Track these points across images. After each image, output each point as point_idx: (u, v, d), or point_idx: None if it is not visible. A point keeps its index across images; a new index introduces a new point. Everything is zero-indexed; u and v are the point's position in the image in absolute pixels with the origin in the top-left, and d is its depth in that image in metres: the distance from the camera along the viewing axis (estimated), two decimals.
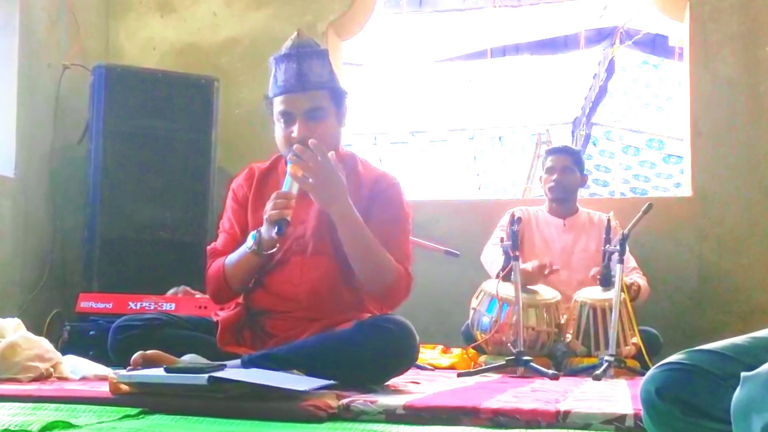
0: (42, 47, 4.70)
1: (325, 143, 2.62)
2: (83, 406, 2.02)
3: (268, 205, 2.57)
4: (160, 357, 2.47)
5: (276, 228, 2.52)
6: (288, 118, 2.69)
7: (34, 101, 4.62)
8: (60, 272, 4.72)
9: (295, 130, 2.65)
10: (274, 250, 2.64)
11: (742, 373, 1.14)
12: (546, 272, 3.92)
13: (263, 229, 2.59)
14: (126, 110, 4.40)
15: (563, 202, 4.42)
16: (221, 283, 2.75)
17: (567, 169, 4.39)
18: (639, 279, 4.10)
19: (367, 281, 2.69)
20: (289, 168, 2.59)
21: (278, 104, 2.71)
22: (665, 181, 9.98)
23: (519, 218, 3.66)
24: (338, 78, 2.80)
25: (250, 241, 2.62)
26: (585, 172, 4.56)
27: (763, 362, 1.14)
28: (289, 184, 2.59)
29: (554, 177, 4.38)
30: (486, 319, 3.81)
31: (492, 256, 4.13)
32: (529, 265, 3.87)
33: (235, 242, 2.76)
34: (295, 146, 2.55)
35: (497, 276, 3.77)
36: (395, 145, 10.45)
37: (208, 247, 2.89)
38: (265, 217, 2.57)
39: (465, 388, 2.70)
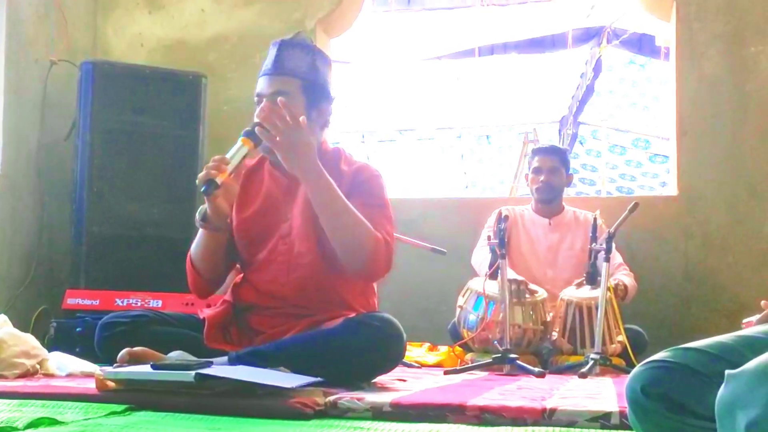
0: (29, 43, 4.69)
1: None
2: (69, 403, 2.01)
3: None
4: (146, 354, 2.47)
5: (203, 188, 2.53)
6: (259, 100, 2.74)
7: (21, 97, 4.60)
8: (47, 269, 4.71)
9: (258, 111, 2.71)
10: (222, 224, 2.65)
11: (727, 371, 1.15)
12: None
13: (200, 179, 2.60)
14: (113, 106, 4.38)
15: (549, 202, 4.43)
16: (190, 269, 2.79)
17: (554, 170, 4.40)
18: (625, 277, 4.11)
19: (344, 251, 2.62)
20: (240, 139, 2.62)
21: (256, 87, 2.78)
22: (651, 181, 10.02)
23: (506, 216, 3.66)
24: (326, 79, 2.81)
25: (197, 215, 2.66)
26: (570, 171, 4.57)
27: (748, 360, 1.15)
28: (234, 151, 2.60)
29: (541, 178, 4.39)
30: (472, 317, 3.82)
31: (481, 259, 4.13)
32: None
33: None
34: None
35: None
36: (383, 143, 10.44)
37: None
38: (196, 182, 2.57)
39: (451, 386, 2.71)
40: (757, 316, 1.64)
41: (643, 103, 9.07)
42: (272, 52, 2.76)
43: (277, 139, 2.55)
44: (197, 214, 2.66)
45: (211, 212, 2.62)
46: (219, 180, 2.52)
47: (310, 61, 2.77)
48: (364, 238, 2.60)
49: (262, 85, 2.75)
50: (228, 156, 2.58)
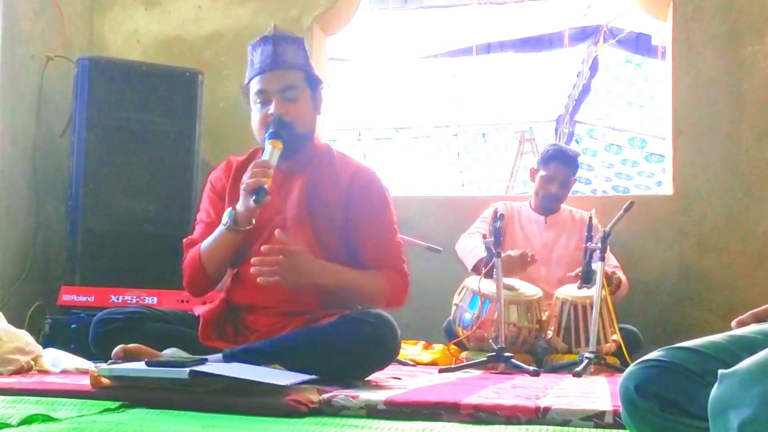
0: (26, 38, 4.67)
1: (300, 123, 2.70)
2: (63, 400, 2.01)
3: (246, 175, 2.57)
4: (141, 351, 2.46)
5: (253, 196, 2.52)
6: (264, 97, 2.72)
7: (17, 93, 4.59)
8: (42, 265, 4.70)
9: (272, 107, 2.69)
10: (250, 227, 2.64)
11: (720, 371, 1.15)
12: (527, 259, 3.93)
13: (239, 203, 2.60)
14: (109, 103, 4.38)
15: (551, 209, 4.43)
16: (197, 268, 2.75)
17: (566, 183, 4.39)
18: (619, 273, 4.11)
19: (365, 305, 2.70)
20: (267, 141, 2.62)
21: (254, 85, 2.75)
22: (647, 180, 10.04)
23: (502, 215, 3.66)
24: (313, 68, 2.83)
25: (225, 218, 2.63)
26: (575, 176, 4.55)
27: (741, 360, 1.16)
28: (269, 154, 2.60)
29: (553, 190, 4.36)
30: (468, 316, 3.83)
31: (467, 246, 4.14)
32: (512, 252, 3.88)
33: (213, 231, 2.76)
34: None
35: (473, 269, 3.81)
36: (379, 141, 10.46)
37: (185, 240, 2.88)
38: (242, 187, 2.57)
39: (446, 384, 2.70)
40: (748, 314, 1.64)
41: (639, 102, 9.10)
42: (266, 48, 2.73)
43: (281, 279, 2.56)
44: (227, 218, 2.63)
45: (250, 216, 2.60)
46: (267, 186, 2.53)
47: (303, 51, 2.80)
48: (381, 295, 2.71)
49: (264, 81, 2.72)
50: (266, 159, 2.59)
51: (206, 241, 2.74)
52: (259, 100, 2.73)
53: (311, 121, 2.79)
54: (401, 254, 2.80)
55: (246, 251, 2.76)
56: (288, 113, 2.69)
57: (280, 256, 2.53)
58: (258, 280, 2.55)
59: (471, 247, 4.09)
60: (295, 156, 2.76)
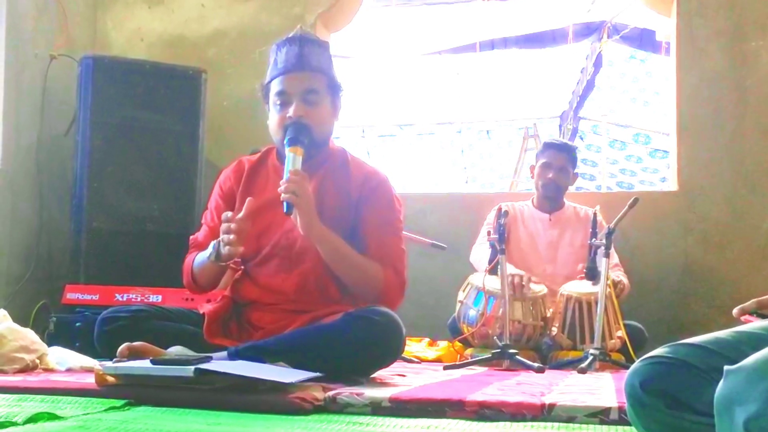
0: (29, 37, 4.68)
1: (319, 129, 2.70)
2: (69, 398, 2.02)
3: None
4: (146, 349, 2.46)
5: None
6: (284, 98, 2.70)
7: (21, 92, 4.60)
8: (46, 264, 4.71)
9: (291, 110, 2.67)
10: (232, 261, 2.67)
11: (725, 367, 1.15)
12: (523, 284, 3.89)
13: (223, 251, 2.58)
14: (113, 101, 4.38)
15: (554, 199, 4.42)
16: (190, 279, 2.83)
17: (563, 169, 4.37)
18: (623, 277, 4.10)
19: (356, 291, 2.72)
20: (287, 149, 2.63)
21: (276, 85, 2.73)
22: (651, 176, 10.01)
23: (506, 211, 3.66)
24: (336, 74, 2.82)
25: (210, 249, 2.64)
26: (576, 170, 4.54)
27: (746, 356, 1.15)
28: (292, 162, 2.60)
29: (550, 175, 4.35)
30: (472, 312, 3.82)
31: (480, 256, 4.12)
32: (518, 274, 3.84)
33: (216, 236, 2.73)
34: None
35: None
36: (383, 138, 10.45)
37: (191, 237, 2.91)
38: (220, 240, 2.56)
39: (451, 381, 2.70)
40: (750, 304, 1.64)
41: (643, 98, 9.07)
42: (292, 49, 2.71)
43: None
44: (211, 249, 2.63)
45: (230, 256, 2.60)
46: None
47: (328, 56, 2.79)
48: (373, 282, 2.69)
49: (287, 82, 2.70)
50: (291, 168, 2.59)
51: (198, 258, 2.76)
52: (279, 101, 2.72)
53: (329, 126, 2.79)
54: (403, 260, 2.79)
55: (255, 253, 2.77)
56: (308, 117, 2.68)
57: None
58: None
59: (481, 255, 4.07)
60: (309, 160, 2.76)
